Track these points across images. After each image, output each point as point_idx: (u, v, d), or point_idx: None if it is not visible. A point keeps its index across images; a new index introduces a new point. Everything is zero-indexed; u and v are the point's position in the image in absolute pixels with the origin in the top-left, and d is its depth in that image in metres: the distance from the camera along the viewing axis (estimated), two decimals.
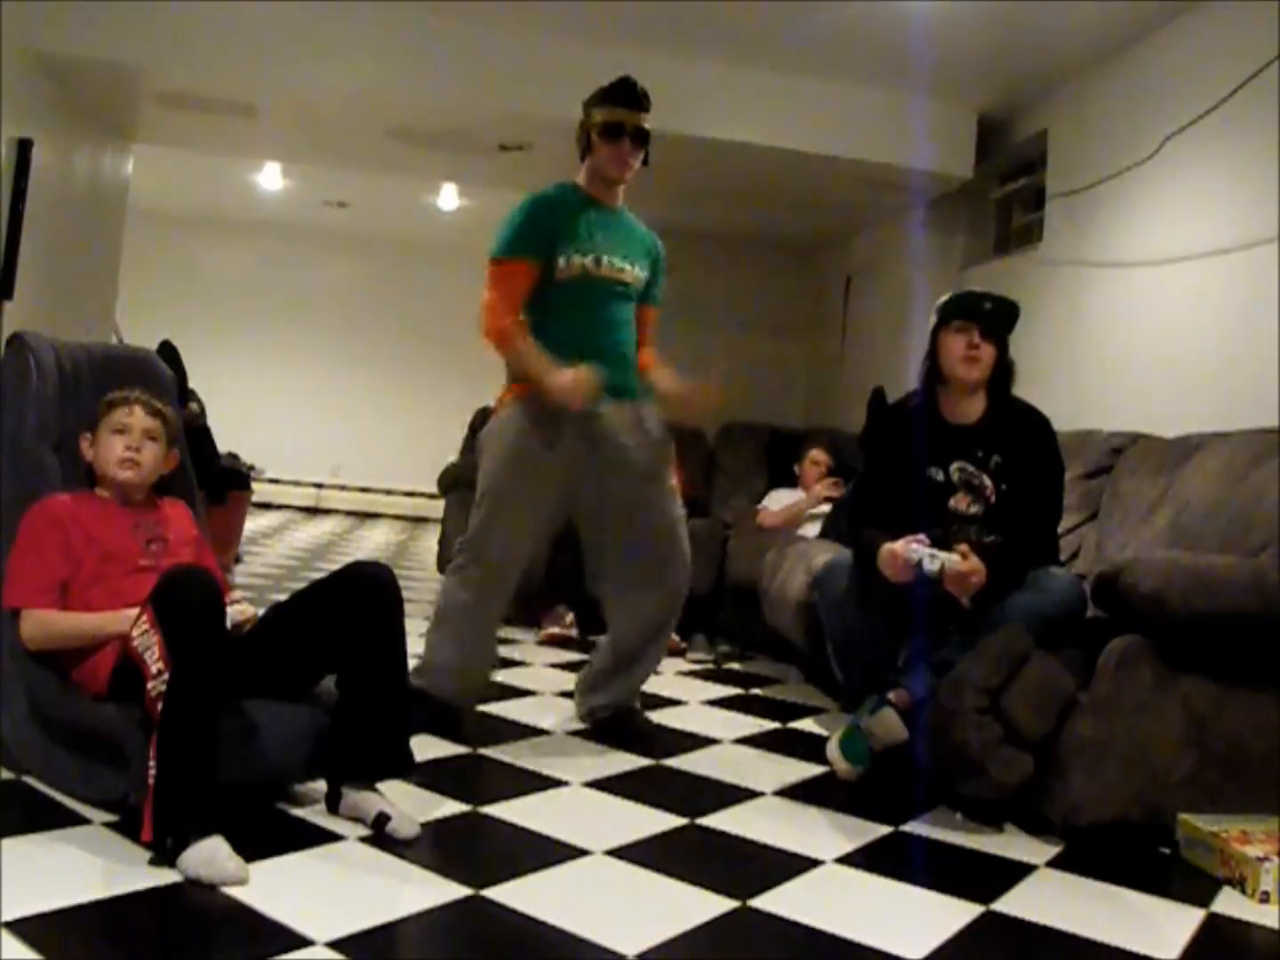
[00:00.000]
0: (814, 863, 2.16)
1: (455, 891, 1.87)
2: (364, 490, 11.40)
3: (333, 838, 2.07)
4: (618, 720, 3.04)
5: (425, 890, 1.87)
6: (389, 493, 11.31)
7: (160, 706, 1.88)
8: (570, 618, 4.61)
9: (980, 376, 2.84)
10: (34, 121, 4.85)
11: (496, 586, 2.92)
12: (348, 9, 4.78)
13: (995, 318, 2.83)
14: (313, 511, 11.11)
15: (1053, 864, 2.27)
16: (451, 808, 2.31)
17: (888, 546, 2.64)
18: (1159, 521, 3.11)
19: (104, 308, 6.64)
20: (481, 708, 3.11)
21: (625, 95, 2.94)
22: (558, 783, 2.57)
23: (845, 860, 2.19)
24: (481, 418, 4.90)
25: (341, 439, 11.20)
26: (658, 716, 3.25)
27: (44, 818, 2.01)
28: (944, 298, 2.93)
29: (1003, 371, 2.86)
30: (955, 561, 2.58)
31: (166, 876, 1.80)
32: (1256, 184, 3.63)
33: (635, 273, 2.99)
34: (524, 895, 1.87)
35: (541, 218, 2.90)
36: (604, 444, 2.90)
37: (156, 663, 1.90)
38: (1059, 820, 2.39)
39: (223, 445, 5.43)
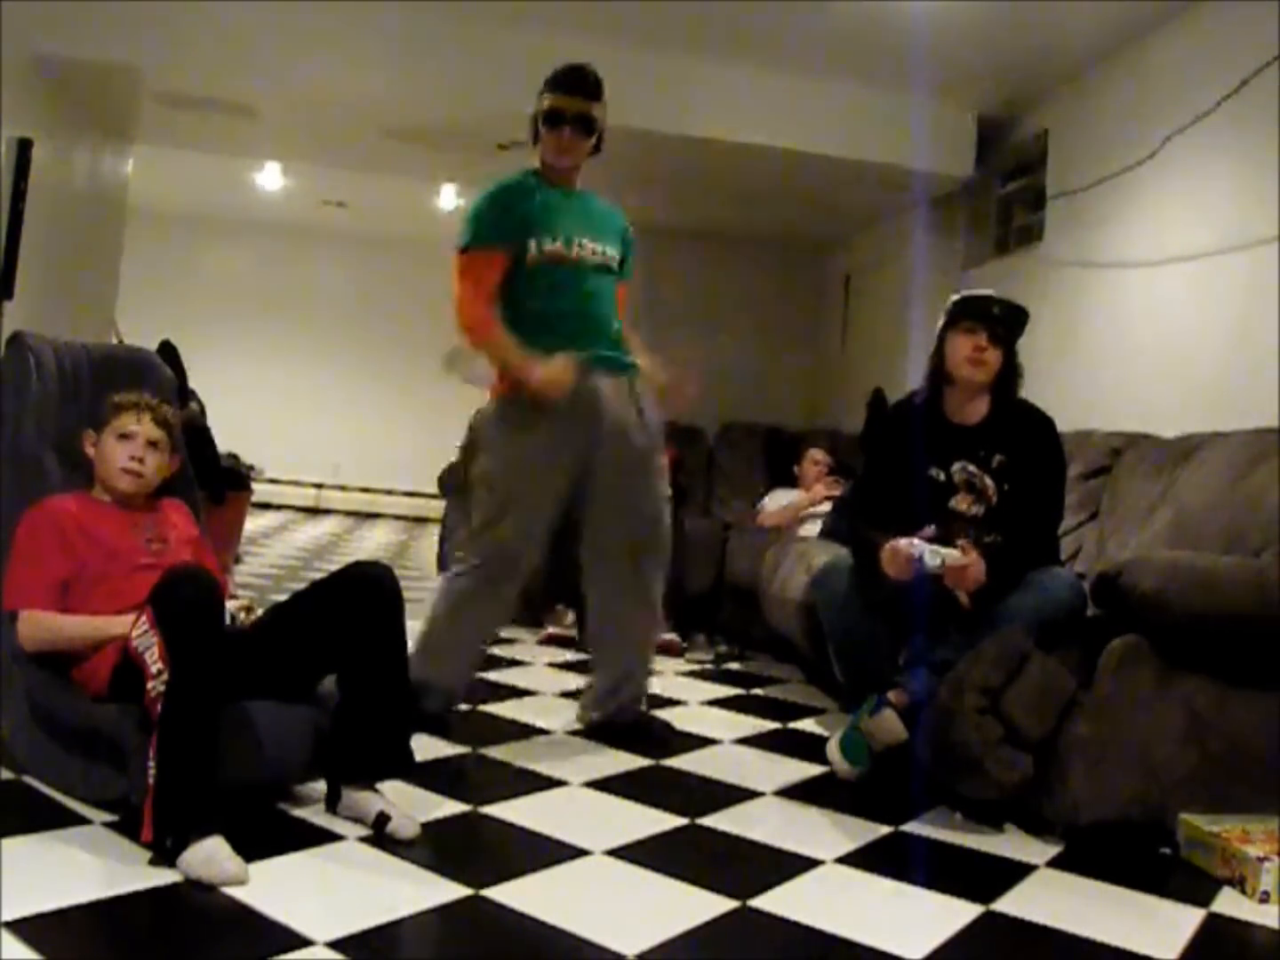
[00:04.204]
0: (814, 863, 2.16)
1: (455, 891, 1.87)
2: (364, 490, 11.40)
3: (333, 838, 2.07)
4: (634, 724, 3.02)
5: (425, 890, 1.87)
6: (389, 493, 11.31)
7: (160, 706, 1.88)
8: (570, 618, 4.61)
9: (984, 379, 2.83)
10: (34, 121, 4.85)
11: (503, 584, 2.85)
12: (348, 9, 4.78)
13: (1004, 323, 2.83)
14: (313, 511, 11.12)
15: (1053, 864, 2.26)
16: (451, 808, 2.31)
17: (889, 544, 2.64)
18: (1159, 521, 3.10)
19: (104, 308, 6.64)
20: (482, 708, 3.11)
21: (568, 82, 2.88)
22: (558, 783, 2.56)
23: (845, 860, 2.19)
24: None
25: (341, 439, 11.20)
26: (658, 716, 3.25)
27: (44, 818, 2.01)
28: (955, 297, 2.92)
29: (1009, 375, 2.86)
30: (955, 555, 2.59)
31: (166, 876, 1.80)
32: (1256, 184, 3.63)
33: (609, 251, 2.93)
34: (524, 895, 1.87)
35: (510, 205, 2.87)
36: (603, 418, 2.84)
37: (156, 663, 1.90)
38: (1059, 820, 2.38)
39: (223, 445, 5.41)
